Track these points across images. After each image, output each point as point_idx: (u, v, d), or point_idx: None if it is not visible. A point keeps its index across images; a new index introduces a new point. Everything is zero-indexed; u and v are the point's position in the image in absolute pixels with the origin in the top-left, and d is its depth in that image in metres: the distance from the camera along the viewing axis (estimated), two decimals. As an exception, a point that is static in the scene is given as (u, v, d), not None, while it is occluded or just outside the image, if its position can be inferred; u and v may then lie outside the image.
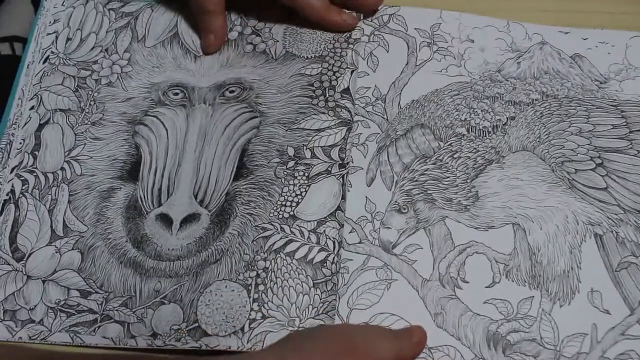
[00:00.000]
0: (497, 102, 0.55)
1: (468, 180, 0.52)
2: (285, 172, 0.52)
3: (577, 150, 0.52)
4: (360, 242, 0.51)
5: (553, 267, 0.49)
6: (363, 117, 0.55)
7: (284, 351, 0.42)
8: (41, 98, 0.57)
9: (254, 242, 0.50)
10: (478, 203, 0.51)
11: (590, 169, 0.52)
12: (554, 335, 0.47)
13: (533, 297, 0.48)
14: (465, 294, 0.48)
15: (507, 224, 0.51)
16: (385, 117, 0.55)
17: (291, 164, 0.53)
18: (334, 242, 0.50)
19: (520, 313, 0.47)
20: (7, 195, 0.53)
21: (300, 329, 0.47)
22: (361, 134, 0.54)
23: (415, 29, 0.59)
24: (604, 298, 0.48)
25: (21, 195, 0.53)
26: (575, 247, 0.49)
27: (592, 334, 0.46)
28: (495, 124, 0.54)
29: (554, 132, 0.53)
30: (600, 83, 0.55)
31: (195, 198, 0.52)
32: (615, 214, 0.50)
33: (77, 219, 0.52)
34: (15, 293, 0.50)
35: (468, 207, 0.51)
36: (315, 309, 0.48)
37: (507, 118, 0.54)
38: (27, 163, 0.55)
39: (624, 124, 0.53)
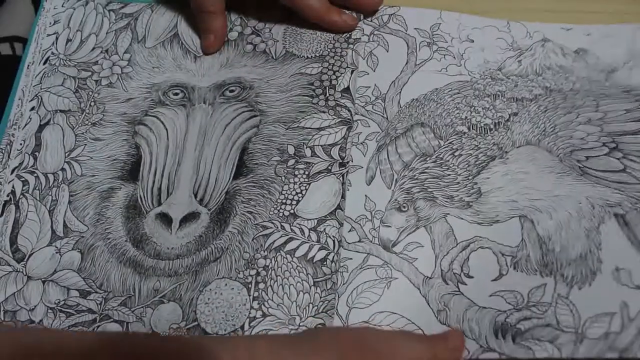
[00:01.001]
0: (499, 100, 0.55)
1: (470, 177, 0.52)
2: (285, 171, 0.52)
3: (587, 139, 0.51)
4: (359, 241, 0.50)
5: (568, 252, 0.47)
6: (363, 116, 0.55)
7: (299, 339, 0.42)
8: (41, 99, 0.57)
9: (254, 241, 0.50)
10: (481, 199, 0.51)
11: (604, 154, 0.50)
12: (574, 319, 0.45)
13: (546, 284, 0.46)
14: (469, 289, 0.47)
15: (513, 217, 0.50)
16: (385, 115, 0.55)
17: (291, 162, 0.53)
18: (334, 241, 0.50)
19: (532, 301, 0.46)
20: (7, 196, 0.53)
21: (303, 327, 0.47)
22: (361, 132, 0.54)
23: (415, 28, 0.59)
24: (633, 274, 0.45)
25: (21, 196, 0.53)
26: (592, 229, 0.48)
27: (622, 313, 0.44)
28: (497, 121, 0.54)
29: (560, 124, 0.52)
30: (608, 73, 0.54)
31: (195, 197, 0.52)
32: (638, 192, 0.48)
33: (77, 219, 0.52)
34: (16, 294, 0.50)
35: (470, 204, 0.51)
36: (316, 307, 0.47)
37: (510, 114, 0.54)
38: (28, 164, 0.55)
39: (639, 107, 0.52)
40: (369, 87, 0.56)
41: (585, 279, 0.46)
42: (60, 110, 0.57)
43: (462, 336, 0.45)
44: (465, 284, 0.48)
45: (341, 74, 0.56)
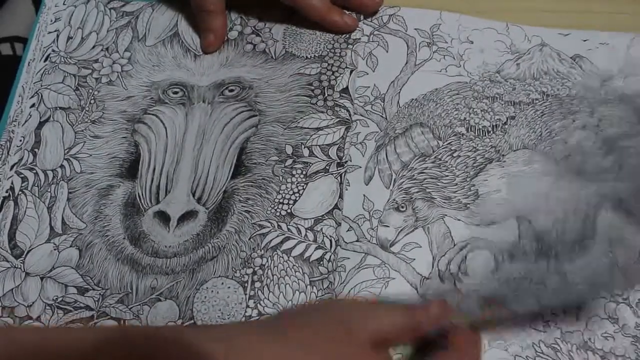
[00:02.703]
0: (497, 102, 0.55)
1: (467, 179, 0.52)
2: (283, 170, 0.52)
3: (583, 143, 0.52)
4: (357, 241, 0.50)
5: (563, 242, 0.48)
6: (362, 116, 0.55)
7: (275, 321, 0.42)
8: (42, 96, 0.57)
9: (251, 240, 0.50)
10: (478, 201, 0.51)
11: (599, 159, 0.51)
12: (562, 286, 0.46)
13: (539, 268, 0.47)
14: (466, 286, 0.48)
15: (510, 218, 0.50)
16: (384, 115, 0.55)
17: (289, 162, 0.53)
18: (331, 241, 0.50)
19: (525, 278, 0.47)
20: (6, 192, 0.53)
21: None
22: (359, 132, 0.54)
23: (415, 29, 0.59)
24: (625, 238, 0.47)
25: (20, 192, 0.53)
26: (589, 218, 0.49)
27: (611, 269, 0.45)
28: (494, 124, 0.54)
29: (556, 129, 0.53)
30: (603, 81, 0.55)
31: (193, 196, 0.52)
32: (634, 189, 0.49)
33: (76, 216, 0.52)
34: (14, 290, 0.50)
35: (468, 205, 0.51)
36: (312, 306, 0.48)
37: (507, 118, 0.54)
38: (27, 160, 0.55)
39: (632, 114, 0.52)
40: (369, 87, 0.56)
41: (579, 254, 0.47)
42: (60, 108, 0.57)
43: (444, 304, 0.42)
44: (462, 282, 0.48)
45: (340, 74, 0.56)
